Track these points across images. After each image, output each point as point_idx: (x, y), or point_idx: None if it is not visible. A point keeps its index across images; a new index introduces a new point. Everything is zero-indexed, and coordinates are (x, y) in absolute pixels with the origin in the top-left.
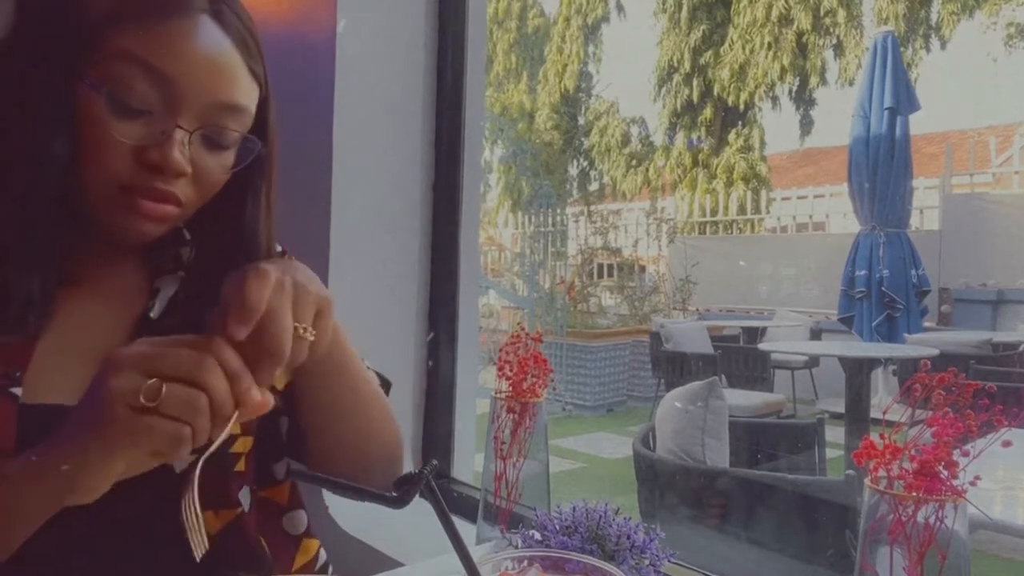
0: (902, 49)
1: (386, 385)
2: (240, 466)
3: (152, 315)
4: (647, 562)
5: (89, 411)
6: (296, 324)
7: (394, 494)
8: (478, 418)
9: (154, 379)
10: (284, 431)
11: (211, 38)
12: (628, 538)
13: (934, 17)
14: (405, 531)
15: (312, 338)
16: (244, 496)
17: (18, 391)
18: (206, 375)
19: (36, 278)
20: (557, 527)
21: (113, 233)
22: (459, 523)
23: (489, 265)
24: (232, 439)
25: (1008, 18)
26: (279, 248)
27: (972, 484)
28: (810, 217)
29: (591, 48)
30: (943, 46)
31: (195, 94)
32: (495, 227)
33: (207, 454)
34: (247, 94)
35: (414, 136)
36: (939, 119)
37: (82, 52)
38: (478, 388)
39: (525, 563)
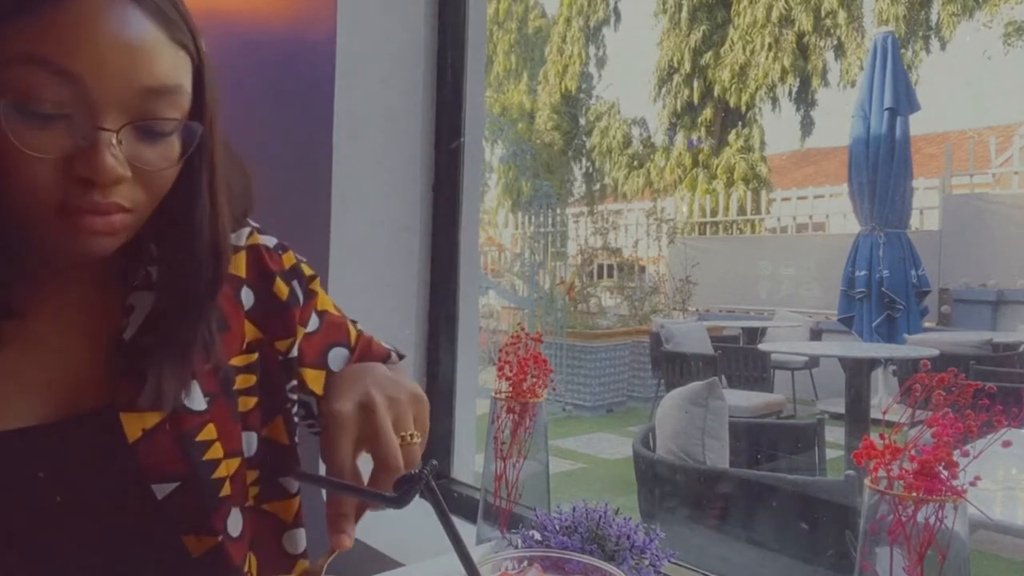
0: (902, 50)
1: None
2: (225, 490)
3: (126, 336)
4: (647, 562)
5: None
6: (401, 435)
7: (394, 494)
8: (478, 418)
9: None
10: (295, 439)
11: (118, 16)
12: (628, 538)
13: (934, 18)
14: (405, 531)
15: (418, 440)
16: (233, 519)
17: None
18: None
19: None
20: (557, 527)
21: (64, 256)
22: (459, 523)
23: (489, 265)
24: (215, 464)
25: (1007, 17)
26: (273, 241)
27: (972, 484)
28: (810, 217)
29: (593, 50)
30: (943, 47)
31: (112, 86)
32: (495, 227)
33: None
34: (175, 71)
35: (414, 136)
36: (939, 119)
37: None
38: (478, 388)
39: (525, 563)
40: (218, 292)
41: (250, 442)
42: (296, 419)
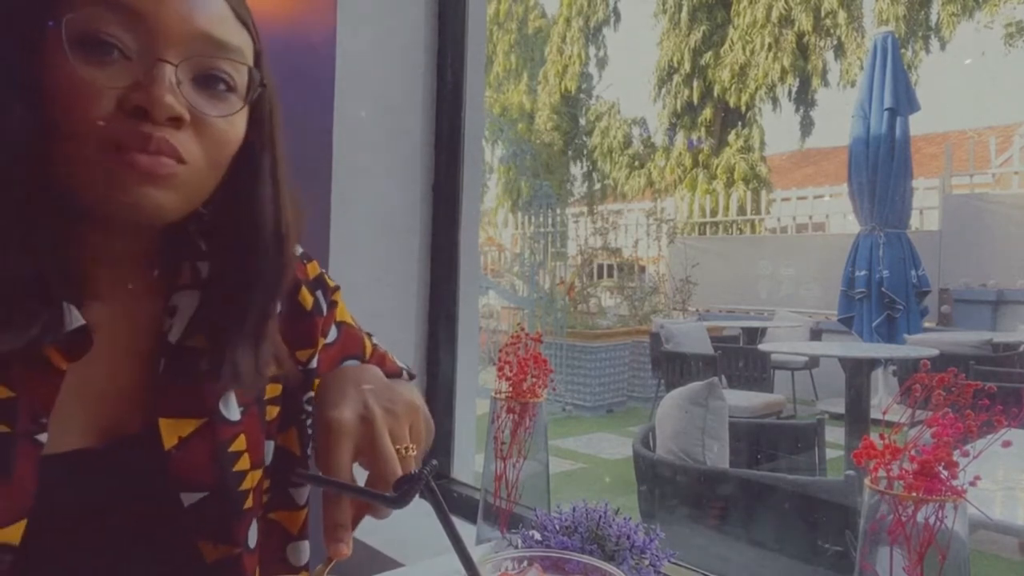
0: (902, 50)
1: (411, 378)
2: (248, 502)
3: (171, 339)
4: (647, 562)
5: None
6: (397, 447)
7: (394, 494)
8: (478, 418)
9: None
10: (308, 451)
11: None
12: (628, 538)
13: (934, 18)
14: (405, 531)
15: (415, 452)
16: (252, 531)
17: (43, 437)
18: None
19: (24, 266)
20: (557, 527)
21: (113, 211)
22: (459, 523)
23: (489, 265)
24: (243, 475)
25: (1008, 17)
26: (299, 250)
27: (972, 484)
28: (810, 218)
29: (593, 50)
30: (943, 47)
31: (175, 26)
32: (495, 227)
33: None
34: (235, 35)
35: (414, 136)
36: (939, 119)
37: (46, 4)
38: (478, 388)
39: (525, 563)
40: (283, 284)
41: (269, 451)
42: (309, 431)
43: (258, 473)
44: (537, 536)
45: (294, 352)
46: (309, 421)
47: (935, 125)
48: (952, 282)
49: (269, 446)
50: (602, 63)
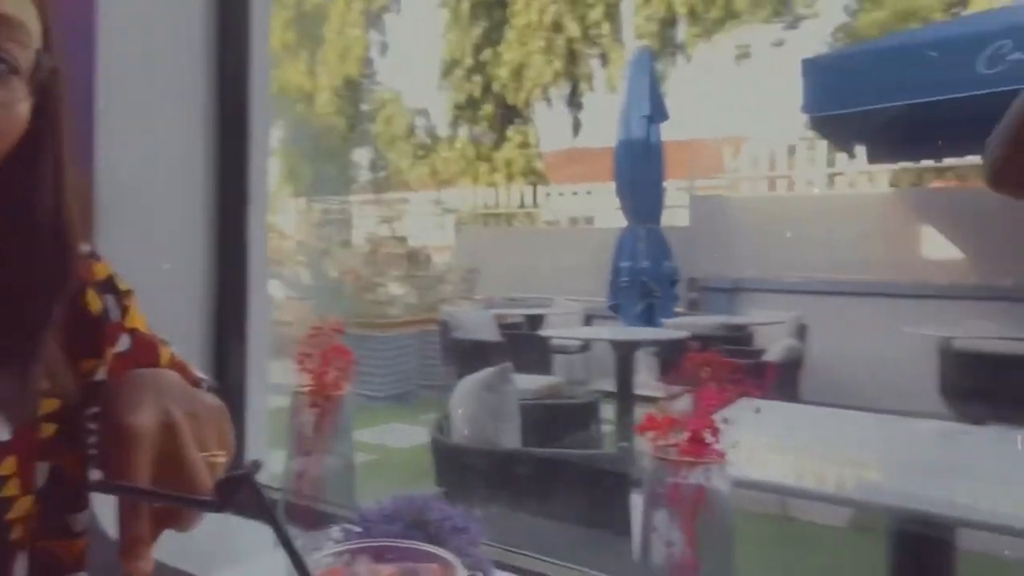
0: (656, 63)
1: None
2: (16, 533)
3: None
4: (467, 542)
5: None
6: (203, 455)
7: (213, 498)
8: (271, 414)
9: None
10: (88, 472)
11: None
12: (449, 520)
13: (680, 37)
14: (199, 539)
15: (223, 459)
16: (19, 566)
17: None
18: None
19: None
20: (377, 517)
21: None
22: (260, 526)
23: (270, 253)
24: (9, 503)
25: (738, 39)
26: (87, 248)
27: (731, 448)
28: (582, 212)
29: (375, 35)
30: (688, 61)
31: None
32: (276, 213)
33: None
34: (20, 8)
35: (194, 119)
36: (687, 128)
37: None
38: (270, 383)
39: (348, 556)
40: (65, 288)
41: (43, 473)
42: (92, 451)
43: (29, 499)
44: (358, 529)
45: (76, 363)
46: (92, 439)
47: (684, 133)
48: (699, 272)
49: (43, 467)
50: (384, 49)
